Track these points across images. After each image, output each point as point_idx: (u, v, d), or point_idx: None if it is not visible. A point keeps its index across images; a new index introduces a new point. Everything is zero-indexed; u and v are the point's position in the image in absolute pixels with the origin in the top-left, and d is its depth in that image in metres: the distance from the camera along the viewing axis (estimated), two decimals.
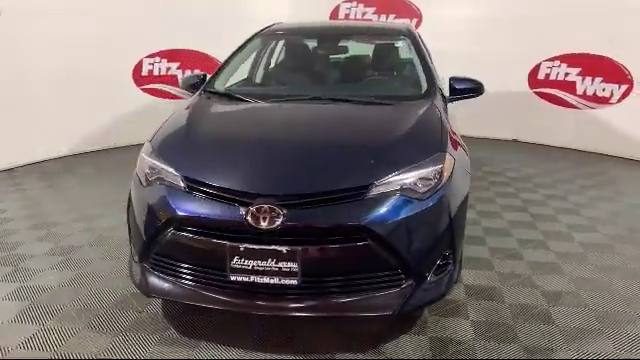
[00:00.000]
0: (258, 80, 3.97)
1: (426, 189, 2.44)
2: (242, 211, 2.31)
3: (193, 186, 2.47)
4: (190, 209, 2.42)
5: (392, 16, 7.74)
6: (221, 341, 2.65)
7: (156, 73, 7.04)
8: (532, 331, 2.73)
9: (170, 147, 2.76)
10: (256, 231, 2.29)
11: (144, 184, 2.63)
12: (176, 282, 2.51)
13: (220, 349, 2.59)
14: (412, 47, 3.81)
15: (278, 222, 2.26)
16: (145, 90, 6.95)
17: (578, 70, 6.53)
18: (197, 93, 3.52)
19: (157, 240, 2.49)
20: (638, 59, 6.06)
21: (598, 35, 6.22)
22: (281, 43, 4.43)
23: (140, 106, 6.83)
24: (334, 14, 7.87)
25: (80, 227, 4.14)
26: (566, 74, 6.64)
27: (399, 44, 3.94)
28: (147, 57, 6.87)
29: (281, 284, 2.32)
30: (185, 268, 2.49)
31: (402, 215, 2.35)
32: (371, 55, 4.22)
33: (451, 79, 3.51)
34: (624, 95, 6.23)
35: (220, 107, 3.30)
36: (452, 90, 3.47)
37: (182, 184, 2.49)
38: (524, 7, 6.69)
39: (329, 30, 4.36)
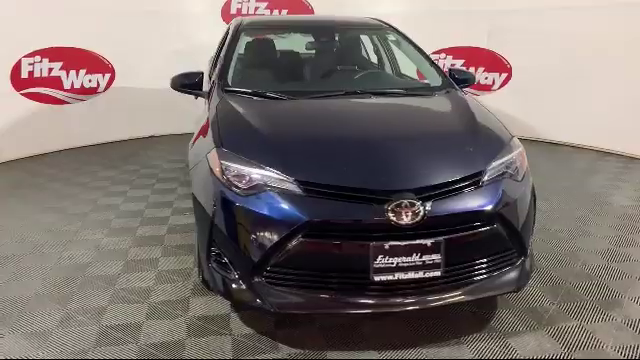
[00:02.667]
0: (266, 77, 3.74)
1: (518, 171, 2.63)
2: (382, 209, 2.26)
3: (312, 189, 2.33)
4: (324, 213, 2.30)
5: (284, 12, 7.76)
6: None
7: (37, 75, 6.14)
8: None
9: (258, 151, 2.55)
10: (399, 227, 2.26)
11: (241, 194, 2.39)
12: (305, 293, 2.34)
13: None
14: (404, 40, 3.95)
15: (420, 216, 2.26)
16: (26, 95, 6.01)
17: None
18: (215, 93, 3.23)
19: (278, 252, 2.30)
20: None
21: None
22: (271, 38, 4.23)
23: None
24: (226, 9, 7.63)
25: None
26: None
27: (392, 37, 4.04)
28: (26, 57, 5.94)
29: (425, 277, 2.32)
30: (316, 276, 2.34)
31: (513, 197, 2.53)
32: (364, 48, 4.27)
33: (451, 70, 3.74)
34: None
35: (270, 106, 3.09)
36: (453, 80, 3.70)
37: (298, 188, 2.33)
38: None
39: (319, 24, 4.29)
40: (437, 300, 2.39)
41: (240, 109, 2.97)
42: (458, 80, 3.66)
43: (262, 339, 2.57)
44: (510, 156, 2.67)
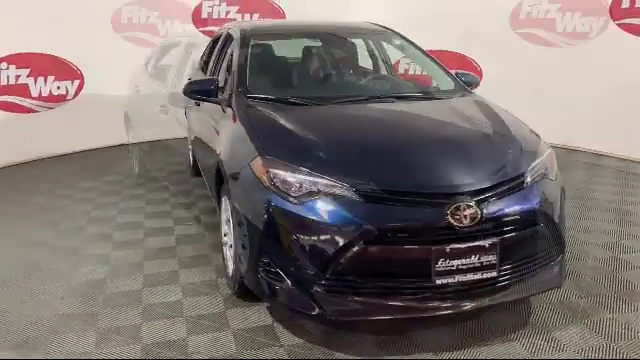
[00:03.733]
0: (282, 83, 3.70)
1: (551, 171, 2.74)
2: (442, 212, 2.30)
3: (371, 195, 2.34)
4: (386, 219, 2.30)
5: (256, 15, 7.71)
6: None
7: (4, 82, 5.81)
8: None
9: (305, 158, 2.52)
10: (459, 230, 2.30)
11: (295, 202, 2.37)
12: (365, 299, 2.34)
13: None
14: (408, 44, 4.00)
15: (477, 218, 2.31)
16: None
17: None
18: (236, 101, 3.16)
19: (338, 259, 2.29)
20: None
21: None
22: (278, 44, 4.17)
23: None
24: (197, 14, 7.49)
25: None
26: None
27: (397, 42, 4.08)
28: None
29: (482, 278, 2.37)
30: (376, 282, 2.34)
31: (552, 196, 2.62)
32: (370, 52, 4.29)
33: (456, 73, 3.82)
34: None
35: (301, 113, 3.04)
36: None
37: (356, 194, 2.33)
38: None
39: (323, 29, 4.26)
40: (493, 300, 2.45)
41: (274, 116, 2.93)
42: (465, 83, 3.74)
43: (315, 348, 2.54)
44: (544, 157, 2.76)
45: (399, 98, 3.35)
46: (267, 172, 2.49)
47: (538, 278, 2.55)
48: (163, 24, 7.25)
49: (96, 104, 6.65)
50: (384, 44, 4.23)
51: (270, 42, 4.03)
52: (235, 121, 3.00)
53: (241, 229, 2.65)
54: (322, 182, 2.40)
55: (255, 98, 3.19)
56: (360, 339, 2.60)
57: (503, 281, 2.44)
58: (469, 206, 2.32)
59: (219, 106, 3.40)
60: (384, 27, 4.17)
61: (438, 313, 2.41)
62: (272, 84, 3.58)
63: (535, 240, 2.54)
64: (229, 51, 4.10)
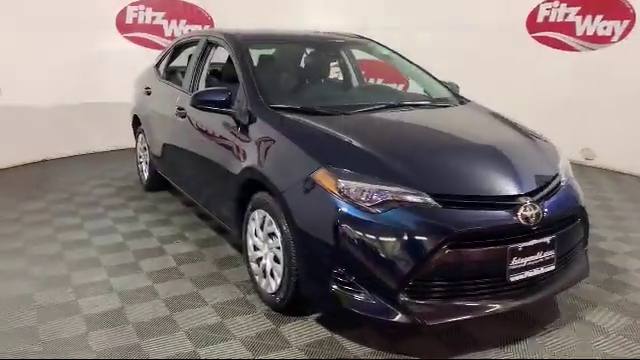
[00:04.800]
0: (291, 92, 3.62)
1: (570, 171, 3.03)
2: (513, 213, 2.46)
3: (447, 200, 2.44)
4: (466, 223, 2.40)
5: (183, 22, 7.46)
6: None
7: None
8: None
9: (370, 167, 2.55)
10: (528, 229, 2.47)
11: (371, 211, 2.39)
12: (448, 303, 2.43)
13: None
14: (396, 55, 4.15)
15: (541, 216, 2.51)
16: None
17: None
18: (259, 112, 3.10)
19: (421, 266, 2.36)
20: None
21: None
22: (273, 53, 4.07)
23: None
24: (121, 18, 7.07)
25: None
26: None
27: (384, 52, 4.19)
28: None
29: (545, 272, 2.57)
30: (457, 285, 2.44)
31: (579, 193, 2.90)
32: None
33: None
34: None
35: (336, 122, 3.02)
36: None
37: (433, 201, 2.42)
38: None
39: (314, 39, 4.23)
40: (550, 292, 2.65)
41: (315, 126, 2.90)
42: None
43: (385, 355, 2.55)
44: (563, 157, 3.03)
45: (415, 106, 3.45)
46: (336, 183, 2.47)
47: (575, 269, 2.80)
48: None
49: (11, 117, 6.04)
50: (367, 54, 4.31)
51: (267, 50, 3.94)
52: (271, 133, 2.92)
53: (302, 242, 2.59)
54: (394, 190, 2.44)
55: (279, 108, 3.12)
56: (425, 341, 2.65)
57: (558, 274, 2.64)
58: (533, 206, 2.49)
59: (227, 117, 3.29)
60: (369, 39, 4.27)
61: (513, 309, 2.54)
62: (285, 93, 3.52)
63: (574, 234, 2.77)
64: (210, 58, 3.98)
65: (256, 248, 3.04)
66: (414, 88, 4.00)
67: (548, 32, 6.66)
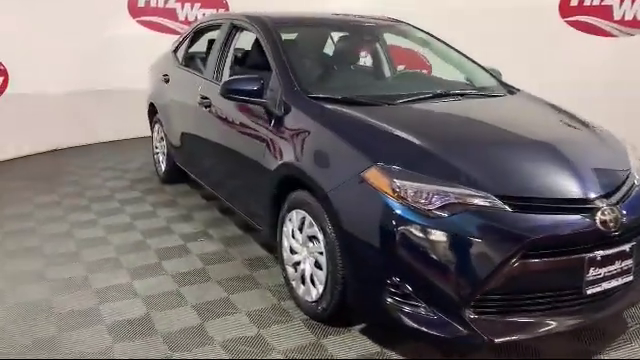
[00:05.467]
0: (326, 79, 3.35)
1: None
2: (592, 217, 2.18)
3: (518, 204, 2.16)
4: (541, 229, 2.13)
5: (197, 5, 7.16)
6: None
7: None
8: None
9: (429, 165, 2.28)
10: (607, 235, 2.20)
11: (434, 216, 2.12)
12: (519, 318, 2.17)
13: None
14: (437, 40, 3.85)
15: (620, 221, 2.24)
16: None
17: None
18: (295, 102, 2.82)
19: (491, 278, 2.10)
20: None
21: None
22: (303, 37, 3.78)
23: None
24: (133, 3, 6.77)
25: None
26: None
27: (421, 36, 3.89)
28: None
29: (622, 283, 2.30)
30: (529, 298, 2.18)
31: None
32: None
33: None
34: None
35: (387, 114, 2.75)
36: None
37: (502, 204, 2.14)
38: None
39: (349, 22, 3.94)
40: (626, 305, 2.39)
41: (361, 118, 2.63)
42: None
43: None
44: (633, 153, 2.74)
45: (462, 95, 3.16)
46: (391, 183, 2.20)
47: None
48: None
49: (23, 105, 5.79)
50: (403, 38, 4.01)
51: (297, 35, 3.66)
52: (311, 126, 2.65)
53: (350, 248, 2.34)
54: (457, 192, 2.17)
55: (317, 98, 2.85)
56: (483, 358, 2.41)
57: (634, 284, 2.37)
58: (611, 210, 2.22)
59: (258, 108, 3.02)
60: (406, 23, 3.97)
61: (587, 324, 2.28)
62: (322, 82, 3.25)
63: None
64: (234, 43, 3.71)
65: (293, 251, 2.79)
66: (455, 75, 3.69)
67: (582, 16, 6.32)
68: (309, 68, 3.33)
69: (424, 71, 3.75)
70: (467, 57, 3.70)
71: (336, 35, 3.84)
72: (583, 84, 6.04)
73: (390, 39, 4.00)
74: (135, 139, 6.75)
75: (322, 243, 2.50)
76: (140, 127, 6.32)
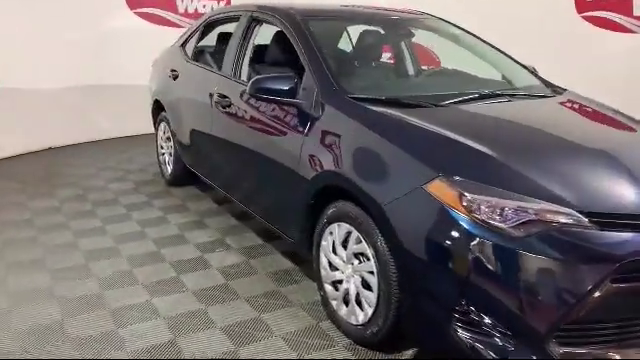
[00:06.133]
0: (363, 77, 3.08)
1: None
2: None
3: (600, 220, 1.93)
4: (634, 249, 1.89)
5: None
6: None
7: None
8: None
9: (501, 177, 2.04)
10: None
11: (511, 234, 1.88)
12: (608, 350, 1.94)
13: None
14: (473, 37, 3.60)
15: None
16: None
17: None
18: (335, 104, 2.56)
19: (580, 305, 1.86)
20: None
21: None
22: (336, 31, 3.50)
23: None
24: None
25: None
26: None
27: (455, 32, 3.64)
28: None
29: None
30: (618, 327, 1.95)
31: None
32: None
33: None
34: None
35: (439, 116, 2.51)
36: None
37: (586, 220, 1.91)
38: None
39: (382, 17, 3.66)
40: None
41: (414, 122, 2.38)
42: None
43: None
44: None
45: (512, 96, 2.92)
46: (461, 196, 1.95)
47: None
48: None
49: (15, 101, 5.46)
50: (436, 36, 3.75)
51: (327, 29, 3.38)
52: (357, 130, 2.39)
53: (408, 269, 2.10)
54: (537, 207, 1.93)
55: (359, 99, 2.58)
56: None
57: None
58: None
59: (290, 109, 2.75)
60: (440, 18, 3.71)
61: None
62: (362, 80, 2.98)
63: None
64: (254, 38, 3.43)
65: (333, 267, 2.53)
66: (489, 73, 3.44)
67: (600, 12, 6.12)
68: (345, 65, 3.05)
69: (458, 69, 3.46)
70: (505, 54, 3.45)
71: (354, 29, 3.56)
72: (600, 81, 5.84)
73: (422, 34, 3.73)
74: (133, 137, 6.44)
75: (373, 262, 2.25)
76: (139, 124, 6.09)
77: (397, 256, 2.12)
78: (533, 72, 3.34)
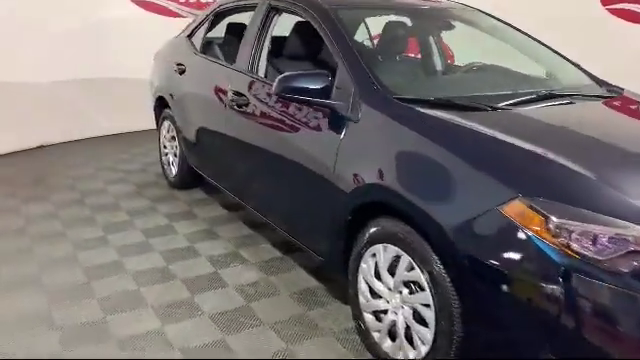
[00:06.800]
0: (403, 74, 2.74)
1: None
2: None
3: None
4: None
5: None
6: None
7: None
8: None
9: (589, 198, 1.72)
10: None
11: (610, 268, 1.56)
12: None
13: None
14: (505, 26, 3.26)
15: None
16: None
17: None
18: (387, 106, 2.22)
19: None
20: None
21: None
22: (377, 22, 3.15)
23: None
24: None
25: None
26: None
27: (492, 24, 3.29)
28: None
29: None
30: None
31: None
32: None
33: None
34: None
35: (498, 121, 2.17)
36: None
37: None
38: None
39: (416, 6, 3.31)
40: None
41: (482, 129, 2.04)
42: None
43: None
44: None
45: (571, 97, 2.58)
46: (547, 221, 1.62)
47: None
48: None
49: (2, 97, 5.03)
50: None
51: (357, 20, 3.03)
52: (409, 137, 2.05)
53: (478, 306, 1.77)
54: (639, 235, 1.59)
55: (404, 100, 2.24)
56: None
57: None
58: None
59: (322, 110, 2.41)
60: (475, 8, 3.36)
61: None
62: (404, 79, 2.65)
63: None
64: (272, 29, 3.09)
65: (375, 294, 2.20)
66: (528, 68, 3.11)
67: (626, 4, 5.79)
68: (383, 61, 2.70)
69: (500, 64, 3.12)
70: (551, 49, 3.12)
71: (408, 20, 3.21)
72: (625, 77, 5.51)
73: (459, 26, 3.38)
74: (130, 133, 6.08)
75: (429, 293, 1.92)
76: (135, 120, 5.76)
77: (462, 289, 1.80)
78: (586, 72, 3.00)
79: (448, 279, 1.85)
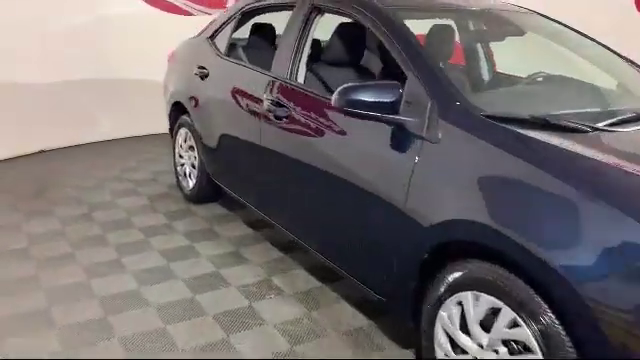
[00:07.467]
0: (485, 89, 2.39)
1: None
2: None
3: None
4: None
5: None
6: None
7: None
8: None
9: None
10: None
11: None
12: None
13: None
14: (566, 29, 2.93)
15: None
16: None
17: None
18: (478, 125, 1.87)
19: None
20: None
21: None
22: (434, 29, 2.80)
23: None
24: None
25: None
26: None
27: (556, 29, 2.96)
28: None
29: None
30: None
31: None
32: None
33: None
34: None
35: (612, 147, 1.85)
36: None
37: None
38: None
39: (479, 10, 2.96)
40: None
41: (603, 158, 1.69)
42: None
43: None
44: None
45: None
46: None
47: None
48: None
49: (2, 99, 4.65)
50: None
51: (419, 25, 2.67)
52: (513, 165, 1.71)
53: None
54: None
55: (494, 118, 1.89)
56: None
57: None
58: None
59: (388, 128, 2.06)
60: (536, 12, 3.03)
61: None
62: (486, 93, 2.31)
63: None
64: (313, 31, 2.75)
65: (458, 349, 1.84)
66: (597, 79, 2.77)
67: None
68: (460, 73, 2.36)
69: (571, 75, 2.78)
70: (620, 55, 2.79)
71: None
72: None
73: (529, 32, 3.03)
74: (132, 138, 5.69)
75: (540, 355, 1.56)
76: (140, 124, 5.40)
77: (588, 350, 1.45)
78: None
79: (570, 345, 1.50)
